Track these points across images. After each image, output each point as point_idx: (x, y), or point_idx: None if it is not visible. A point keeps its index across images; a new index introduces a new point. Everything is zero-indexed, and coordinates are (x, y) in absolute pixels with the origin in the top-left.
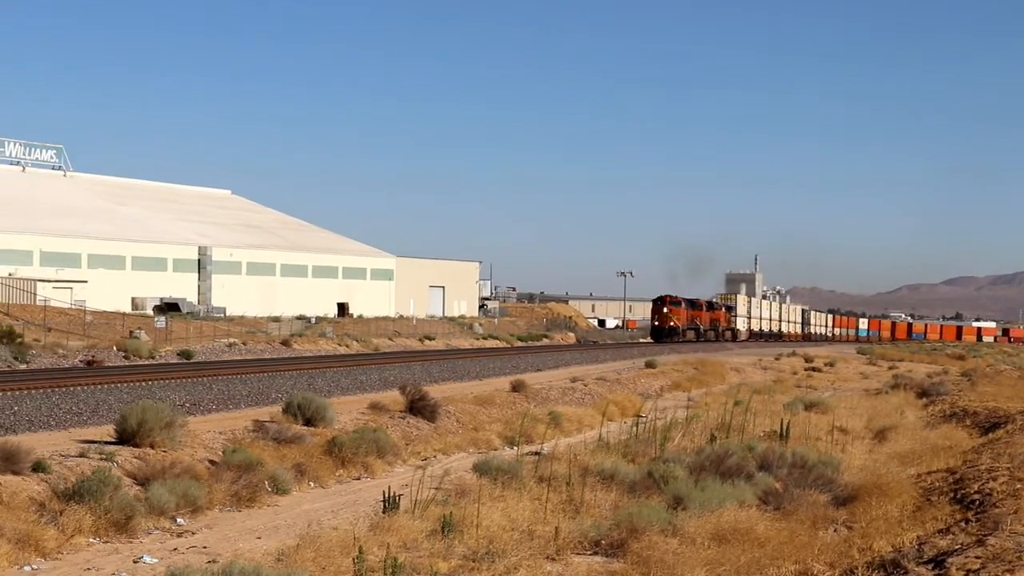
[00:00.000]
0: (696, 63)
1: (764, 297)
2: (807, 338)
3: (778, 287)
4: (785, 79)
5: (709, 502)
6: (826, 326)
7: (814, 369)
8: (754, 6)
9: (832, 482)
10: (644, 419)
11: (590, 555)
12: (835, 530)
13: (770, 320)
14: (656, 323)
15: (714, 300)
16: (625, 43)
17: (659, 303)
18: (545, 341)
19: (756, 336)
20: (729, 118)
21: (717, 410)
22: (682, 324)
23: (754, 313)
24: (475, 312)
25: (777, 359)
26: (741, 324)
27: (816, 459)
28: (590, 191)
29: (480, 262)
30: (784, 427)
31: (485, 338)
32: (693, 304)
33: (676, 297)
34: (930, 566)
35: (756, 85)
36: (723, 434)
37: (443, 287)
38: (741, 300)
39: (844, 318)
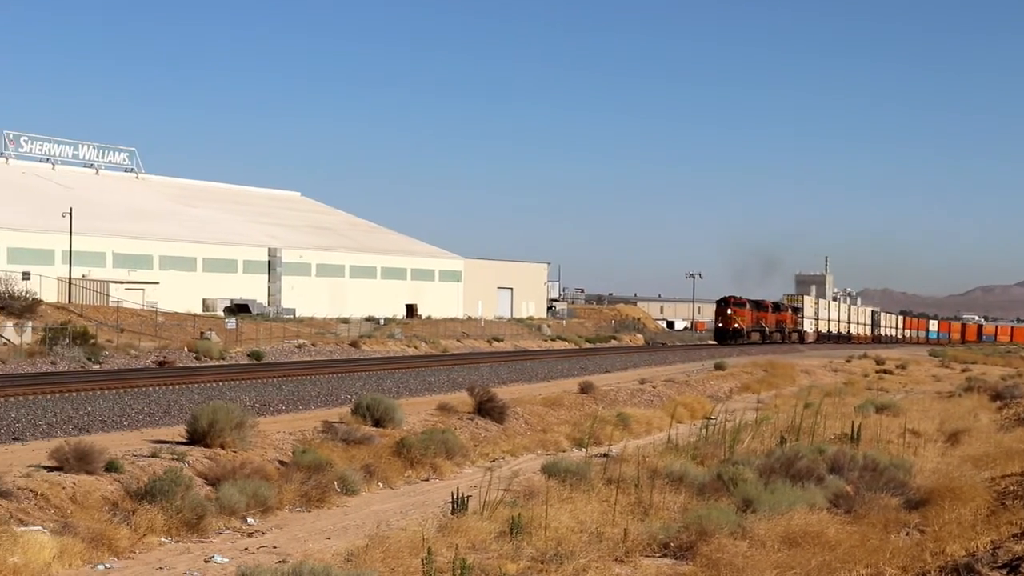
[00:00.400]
0: (763, 62)
1: (834, 299)
2: (876, 340)
3: (848, 289)
4: (853, 80)
5: (779, 505)
6: (896, 328)
7: (885, 371)
8: (822, 7)
9: (904, 485)
10: (713, 421)
11: (659, 557)
12: (907, 534)
13: (838, 322)
14: (720, 325)
15: (780, 301)
16: (690, 43)
17: (723, 304)
18: (613, 343)
19: (824, 338)
20: (799, 118)
21: (787, 412)
22: (747, 326)
23: (822, 315)
24: (543, 314)
25: (848, 361)
26: (808, 326)
27: (888, 462)
28: (658, 192)
29: (548, 263)
30: (855, 430)
31: (553, 340)
32: (759, 305)
33: (740, 298)
34: (1004, 571)
35: (825, 86)
36: (793, 436)
37: (511, 289)
38: (808, 301)
39: (914, 320)
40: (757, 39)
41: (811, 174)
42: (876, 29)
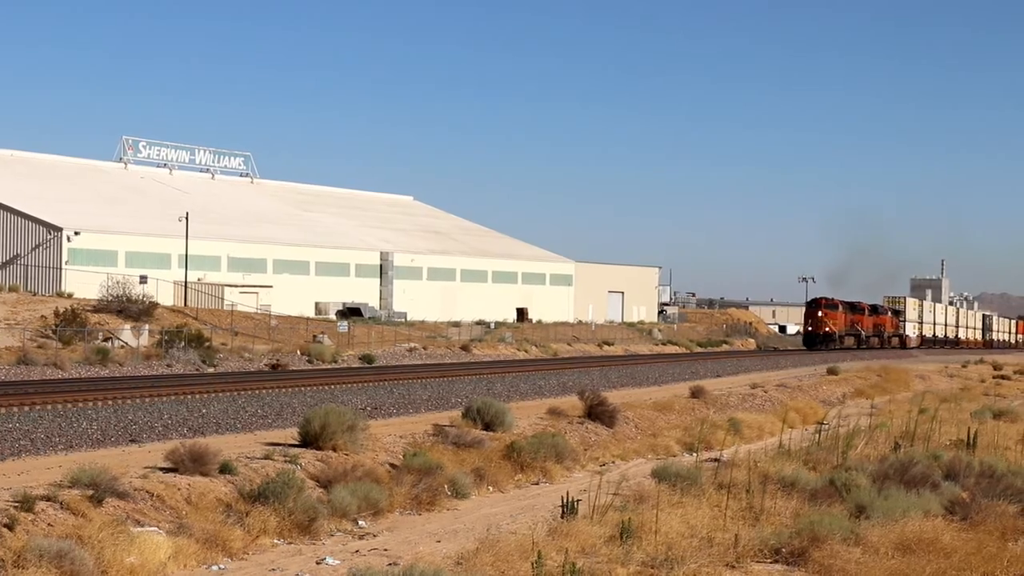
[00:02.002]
0: (878, 65)
1: (950, 303)
2: (988, 345)
3: (965, 293)
4: (971, 87)
5: (893, 511)
6: (1010, 333)
7: (1003, 377)
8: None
9: (1022, 492)
10: (826, 426)
11: (770, 563)
12: None
13: (945, 325)
14: (809, 328)
15: (879, 304)
16: (801, 51)
17: (812, 306)
18: (725, 347)
19: (928, 343)
20: (911, 129)
21: (901, 418)
22: (839, 329)
23: (926, 318)
24: (654, 317)
25: (964, 366)
26: (911, 330)
27: (1005, 468)
28: (771, 195)
29: (659, 267)
30: (971, 436)
31: (664, 344)
32: (853, 307)
33: (832, 299)
34: None
35: (937, 98)
36: (907, 442)
37: (622, 292)
38: (911, 303)
39: None
40: (871, 45)
41: (926, 175)
42: (992, 28)
